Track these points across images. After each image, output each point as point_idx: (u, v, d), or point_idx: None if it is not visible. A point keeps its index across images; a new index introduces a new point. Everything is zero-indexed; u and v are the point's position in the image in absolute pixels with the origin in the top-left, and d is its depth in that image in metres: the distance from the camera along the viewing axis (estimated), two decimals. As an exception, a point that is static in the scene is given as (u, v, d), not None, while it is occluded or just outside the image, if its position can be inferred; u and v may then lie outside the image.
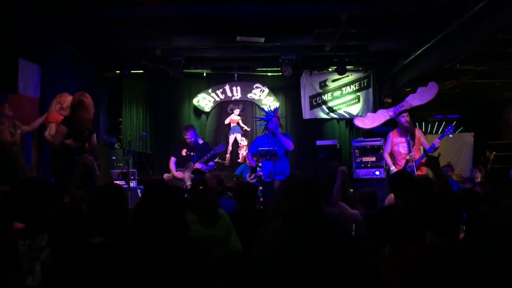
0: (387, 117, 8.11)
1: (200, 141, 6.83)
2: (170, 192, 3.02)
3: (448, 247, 1.99)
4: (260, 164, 6.17)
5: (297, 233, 1.96)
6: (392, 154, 6.53)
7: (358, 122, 8.63)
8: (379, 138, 7.82)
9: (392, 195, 4.31)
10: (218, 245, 2.90)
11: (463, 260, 1.85)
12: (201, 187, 3.04)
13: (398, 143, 6.45)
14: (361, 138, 8.31)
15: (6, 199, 2.54)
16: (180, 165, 6.70)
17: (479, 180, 8.12)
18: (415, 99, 8.02)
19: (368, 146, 7.79)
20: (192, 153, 6.61)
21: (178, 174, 6.62)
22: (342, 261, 1.93)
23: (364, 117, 8.63)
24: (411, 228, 2.60)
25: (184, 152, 6.68)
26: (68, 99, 5.06)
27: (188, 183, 5.35)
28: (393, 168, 6.42)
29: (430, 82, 7.98)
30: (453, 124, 6.61)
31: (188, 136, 6.61)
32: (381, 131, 8.25)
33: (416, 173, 5.76)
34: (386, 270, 2.02)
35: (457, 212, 2.10)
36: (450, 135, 6.42)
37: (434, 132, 11.22)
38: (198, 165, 6.47)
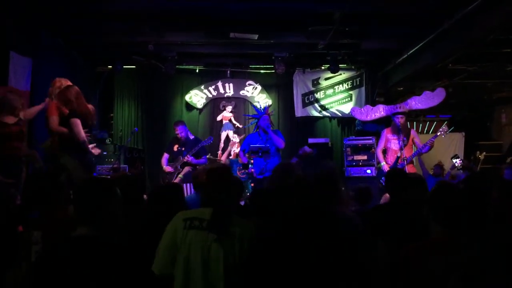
0: (383, 114, 8.06)
1: (192, 137, 6.86)
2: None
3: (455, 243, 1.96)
4: (252, 161, 6.18)
5: None
6: (385, 151, 6.64)
7: (356, 113, 8.52)
8: (370, 137, 7.85)
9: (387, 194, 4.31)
10: None
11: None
12: None
13: (390, 140, 6.58)
14: (353, 137, 8.31)
15: (24, 189, 2.63)
16: (172, 161, 6.75)
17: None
18: (418, 103, 7.74)
19: (359, 145, 7.82)
20: (182, 148, 6.65)
21: (168, 168, 6.68)
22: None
23: (362, 108, 8.52)
24: (410, 224, 2.62)
25: (175, 147, 6.75)
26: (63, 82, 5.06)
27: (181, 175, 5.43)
28: (383, 164, 6.48)
29: (438, 88, 7.82)
30: (444, 125, 6.68)
31: (178, 131, 6.65)
32: (373, 129, 8.26)
33: (407, 170, 5.85)
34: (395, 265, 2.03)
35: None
36: (443, 136, 6.45)
37: (425, 132, 11.27)
38: (187, 158, 6.49)
